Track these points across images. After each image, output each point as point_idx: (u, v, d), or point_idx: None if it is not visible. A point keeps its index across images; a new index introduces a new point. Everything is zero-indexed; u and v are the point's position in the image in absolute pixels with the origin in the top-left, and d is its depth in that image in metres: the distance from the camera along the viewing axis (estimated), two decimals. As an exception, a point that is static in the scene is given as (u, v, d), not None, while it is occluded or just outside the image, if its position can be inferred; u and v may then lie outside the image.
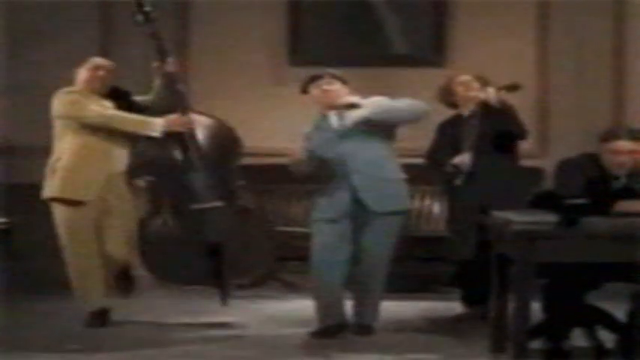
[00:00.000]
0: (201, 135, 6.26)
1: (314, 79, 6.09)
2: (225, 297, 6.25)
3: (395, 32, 8.35)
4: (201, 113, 6.35)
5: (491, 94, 6.37)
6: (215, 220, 6.16)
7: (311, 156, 5.97)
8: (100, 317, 6.15)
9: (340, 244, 5.95)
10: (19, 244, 7.55)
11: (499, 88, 6.41)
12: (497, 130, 6.39)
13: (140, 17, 6.18)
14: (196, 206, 6.16)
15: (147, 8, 6.17)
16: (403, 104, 6.00)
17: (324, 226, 5.98)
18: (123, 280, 6.23)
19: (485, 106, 6.42)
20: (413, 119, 6.04)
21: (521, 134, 6.49)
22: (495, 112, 6.36)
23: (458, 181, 6.43)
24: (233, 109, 7.75)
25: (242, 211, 6.29)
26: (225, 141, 6.36)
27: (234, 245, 6.16)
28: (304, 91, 6.12)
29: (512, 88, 6.44)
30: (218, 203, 6.18)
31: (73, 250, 6.10)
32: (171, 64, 6.21)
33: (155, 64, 6.22)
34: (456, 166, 6.42)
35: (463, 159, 6.41)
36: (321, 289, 6.00)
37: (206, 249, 6.14)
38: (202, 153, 6.22)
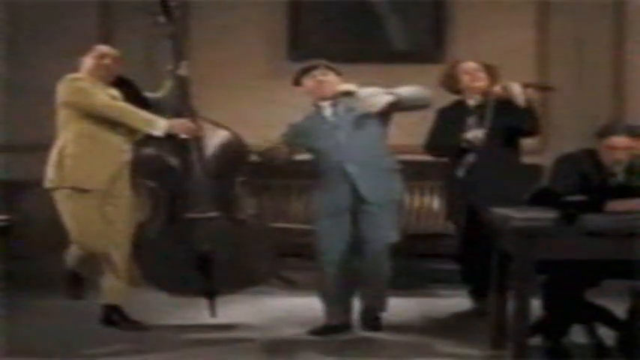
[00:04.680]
0: (209, 144, 6.22)
1: (308, 70, 6.09)
2: (213, 309, 6.21)
3: (395, 28, 8.35)
4: (212, 122, 6.30)
5: (517, 91, 6.27)
6: (208, 231, 6.10)
7: (288, 144, 5.99)
8: (114, 312, 6.13)
9: (344, 238, 5.97)
10: (19, 241, 7.55)
11: (525, 85, 6.34)
12: (512, 125, 6.31)
13: (162, 18, 6.17)
14: (190, 215, 6.13)
15: (171, 6, 6.14)
16: (414, 88, 6.02)
17: (327, 221, 5.98)
18: (73, 283, 6.20)
19: (501, 100, 6.32)
20: (427, 103, 6.07)
21: (536, 131, 6.46)
22: (513, 107, 6.27)
23: (459, 173, 6.41)
24: (232, 104, 7.78)
25: (238, 223, 6.25)
26: (233, 153, 6.28)
27: (226, 257, 6.11)
28: (297, 82, 6.12)
29: (544, 88, 6.35)
30: (213, 214, 6.13)
31: (82, 239, 6.07)
32: (184, 68, 6.18)
33: (169, 66, 6.19)
34: (469, 141, 6.36)
35: (477, 134, 6.33)
36: (328, 286, 6.01)
37: (197, 260, 6.10)
38: (205, 162, 6.18)
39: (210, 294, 6.17)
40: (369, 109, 5.94)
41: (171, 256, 6.11)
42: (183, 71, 6.18)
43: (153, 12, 6.20)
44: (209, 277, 6.11)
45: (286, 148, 6.08)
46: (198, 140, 6.16)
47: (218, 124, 6.30)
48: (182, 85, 6.17)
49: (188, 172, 6.15)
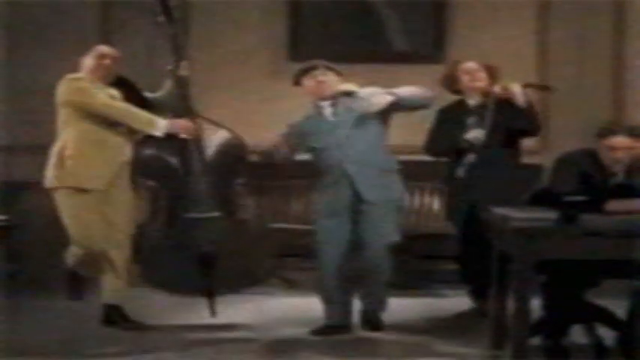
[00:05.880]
0: (209, 144, 6.22)
1: (308, 70, 6.11)
2: (213, 308, 6.21)
3: (395, 28, 8.35)
4: (212, 122, 6.30)
5: (517, 91, 6.28)
6: (208, 231, 6.11)
7: (287, 143, 5.97)
8: (114, 312, 6.14)
9: (344, 238, 5.97)
10: (19, 242, 7.55)
11: (525, 85, 6.35)
12: (512, 125, 6.32)
13: (162, 18, 6.17)
14: (190, 215, 6.13)
15: (171, 7, 6.15)
16: (415, 89, 6.03)
17: (326, 221, 5.99)
18: (73, 283, 6.19)
19: (501, 100, 6.34)
20: (428, 103, 6.08)
21: (536, 131, 6.46)
22: (514, 107, 6.28)
23: (459, 173, 6.41)
24: (233, 105, 7.78)
25: (238, 223, 6.26)
26: (232, 152, 6.30)
27: (226, 257, 6.11)
28: (297, 82, 6.13)
29: (543, 88, 6.37)
30: (213, 214, 6.14)
31: (82, 239, 6.06)
32: (184, 68, 6.19)
33: (169, 66, 6.19)
34: (469, 142, 6.36)
35: (477, 134, 6.34)
36: (328, 286, 6.02)
37: (197, 259, 6.11)
38: (206, 162, 6.18)
39: (211, 294, 6.17)
40: (368, 109, 5.95)
41: (171, 256, 6.11)
42: (183, 71, 6.18)
43: (153, 12, 6.21)
44: (209, 277, 6.11)
45: (286, 147, 6.07)
46: (197, 140, 6.17)
47: (218, 124, 6.31)
48: (182, 86, 6.18)
49: (188, 172, 6.16)
